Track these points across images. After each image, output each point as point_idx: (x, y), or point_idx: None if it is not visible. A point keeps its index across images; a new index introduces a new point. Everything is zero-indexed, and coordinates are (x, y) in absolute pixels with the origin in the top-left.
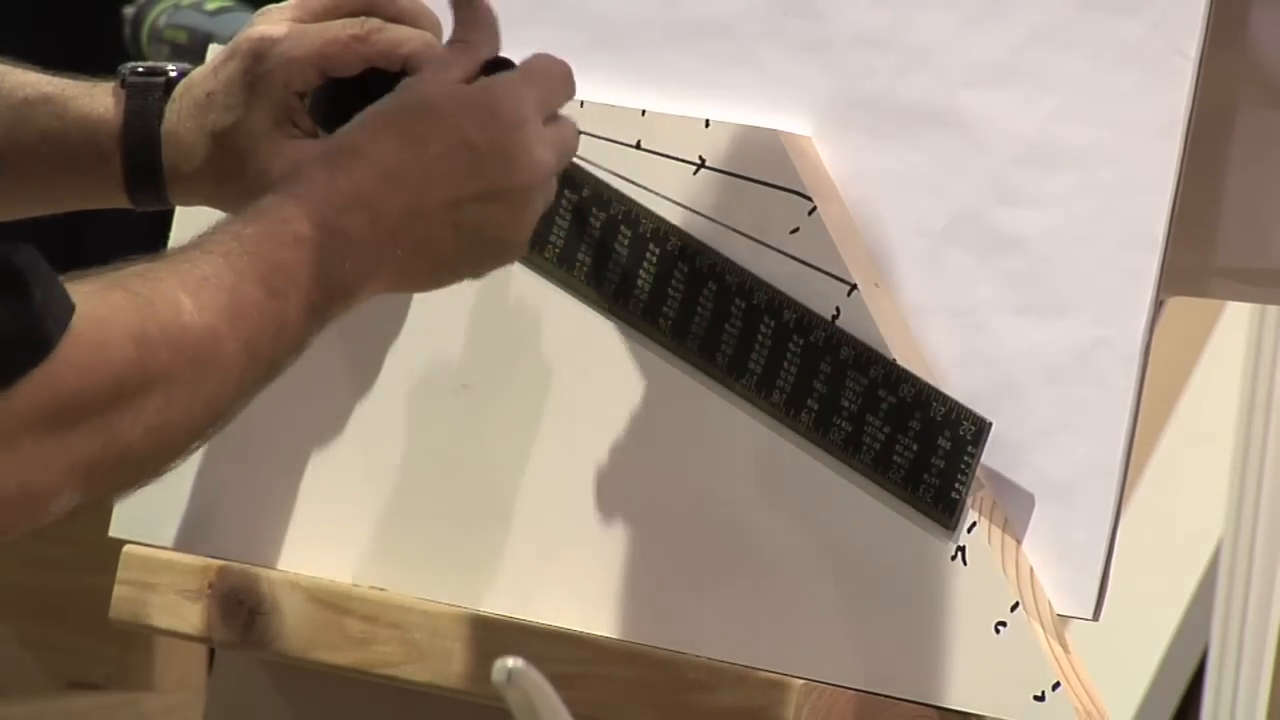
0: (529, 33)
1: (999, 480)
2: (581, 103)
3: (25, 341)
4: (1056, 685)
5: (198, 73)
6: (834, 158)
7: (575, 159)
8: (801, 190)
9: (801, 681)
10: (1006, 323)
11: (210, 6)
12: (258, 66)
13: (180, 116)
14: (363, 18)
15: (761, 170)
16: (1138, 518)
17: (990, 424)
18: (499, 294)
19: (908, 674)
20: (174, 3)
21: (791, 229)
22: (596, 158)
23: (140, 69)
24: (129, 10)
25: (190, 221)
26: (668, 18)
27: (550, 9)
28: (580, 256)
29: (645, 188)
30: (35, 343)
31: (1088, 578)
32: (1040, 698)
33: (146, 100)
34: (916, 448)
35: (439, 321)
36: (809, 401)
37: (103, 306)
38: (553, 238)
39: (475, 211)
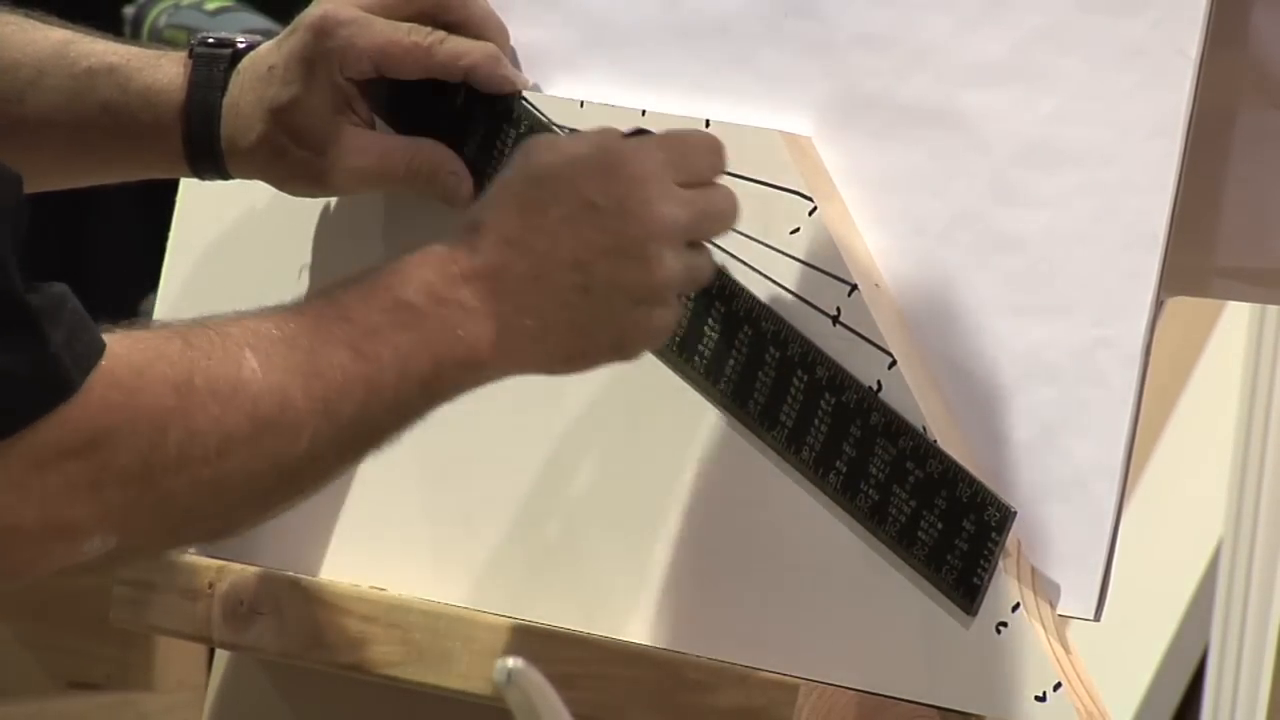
0: (529, 34)
1: (1000, 480)
2: (581, 103)
3: (43, 383)
4: (1058, 685)
5: (264, 45)
6: (834, 158)
7: None
8: (802, 190)
9: (802, 681)
10: (1007, 323)
11: (210, 6)
12: (319, 44)
13: (242, 89)
14: (429, 28)
15: (762, 170)
16: (1138, 518)
17: (1015, 512)
18: None
19: (908, 674)
20: (174, 3)
21: (792, 229)
22: None
23: (210, 39)
24: (129, 10)
25: (197, 204)
26: (668, 18)
27: (550, 9)
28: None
29: None
30: (54, 384)
31: (1089, 578)
32: (1041, 698)
33: (211, 71)
34: (941, 526)
35: None
36: (837, 464)
37: (150, 353)
38: None
39: (603, 270)
